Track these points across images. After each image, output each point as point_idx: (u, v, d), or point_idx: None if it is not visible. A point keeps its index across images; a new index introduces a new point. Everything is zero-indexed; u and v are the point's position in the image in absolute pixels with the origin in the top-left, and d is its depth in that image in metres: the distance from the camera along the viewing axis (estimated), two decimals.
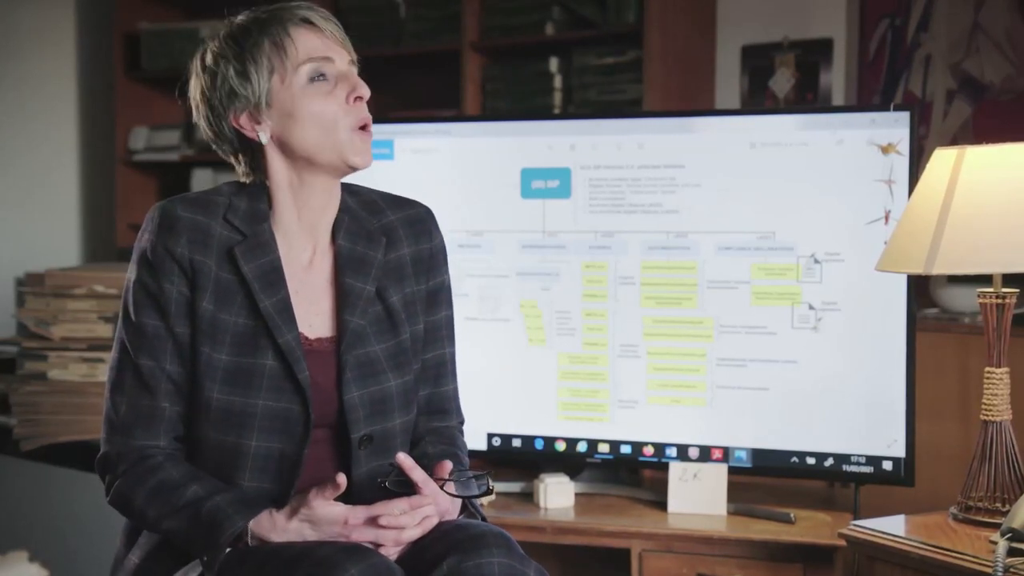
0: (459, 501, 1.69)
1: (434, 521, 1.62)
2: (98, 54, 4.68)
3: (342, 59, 1.68)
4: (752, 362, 2.52)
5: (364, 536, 1.57)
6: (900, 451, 2.43)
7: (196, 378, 1.65)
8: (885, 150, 2.43)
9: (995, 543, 1.79)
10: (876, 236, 2.41)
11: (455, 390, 1.86)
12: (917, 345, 2.42)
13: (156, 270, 1.66)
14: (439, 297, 1.82)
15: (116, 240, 4.57)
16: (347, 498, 1.61)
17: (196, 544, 1.60)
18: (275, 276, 1.68)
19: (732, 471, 2.53)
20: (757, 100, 3.69)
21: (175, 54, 4.38)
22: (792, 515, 2.47)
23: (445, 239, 1.84)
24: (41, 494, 3.34)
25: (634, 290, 2.60)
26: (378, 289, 1.73)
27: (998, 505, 1.96)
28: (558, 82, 3.81)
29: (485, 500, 1.74)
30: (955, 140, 3.38)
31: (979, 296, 2.01)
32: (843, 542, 2.10)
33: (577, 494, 2.64)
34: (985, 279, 2.02)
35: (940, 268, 1.91)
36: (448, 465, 1.66)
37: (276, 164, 1.71)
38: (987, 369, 2.00)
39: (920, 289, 2.84)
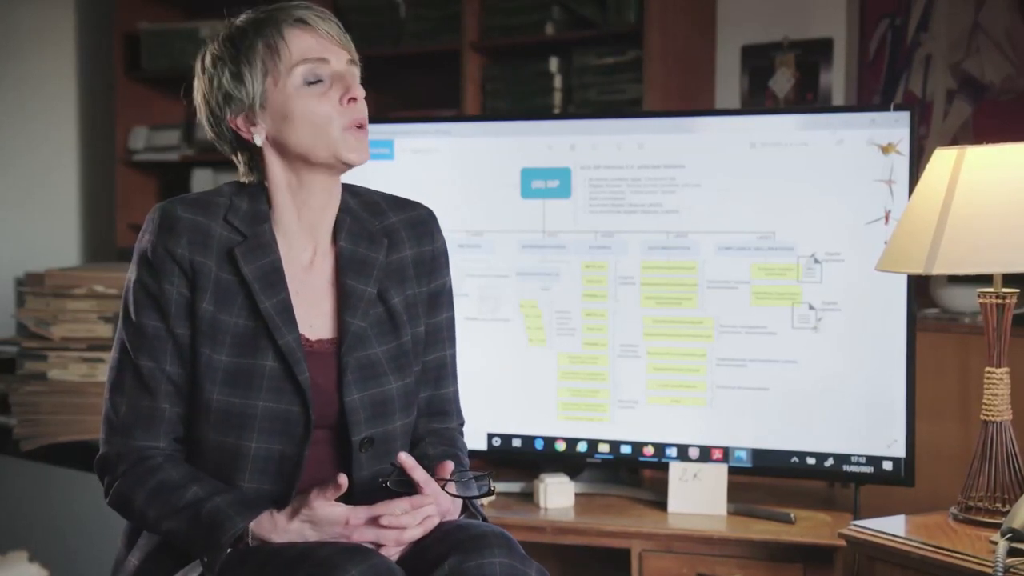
0: (460, 501, 1.69)
1: (435, 521, 1.62)
2: (98, 54, 4.68)
3: (339, 59, 1.68)
4: (752, 362, 2.52)
5: (365, 536, 1.57)
6: (900, 451, 2.43)
7: (196, 379, 1.65)
8: (885, 150, 2.43)
9: (995, 543, 1.79)
10: (876, 236, 2.41)
11: (455, 392, 1.86)
12: (917, 345, 2.42)
13: (156, 271, 1.66)
14: (440, 299, 1.82)
15: (116, 240, 4.57)
16: (348, 500, 1.61)
17: (196, 545, 1.60)
18: (276, 277, 1.68)
19: (732, 471, 2.53)
20: (757, 100, 3.69)
21: (175, 54, 4.38)
22: (792, 515, 2.47)
23: (445, 239, 1.84)
24: (41, 494, 3.33)
25: (634, 290, 2.60)
26: (379, 291, 1.73)
27: (998, 505, 1.96)
28: (558, 82, 3.81)
29: (486, 500, 1.74)
30: (955, 140, 3.38)
31: (979, 296, 2.01)
32: (843, 542, 2.10)
33: (577, 494, 2.64)
34: (985, 279, 2.02)
35: (940, 268, 1.91)
36: (450, 465, 1.66)
37: (273, 165, 1.71)
38: (987, 369, 2.00)
39: (920, 289, 2.84)
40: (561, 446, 2.66)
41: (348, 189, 1.79)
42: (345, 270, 1.72)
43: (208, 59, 1.71)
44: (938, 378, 2.94)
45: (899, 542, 1.94)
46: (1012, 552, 1.75)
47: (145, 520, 1.65)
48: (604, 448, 2.63)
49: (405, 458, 1.63)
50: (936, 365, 2.93)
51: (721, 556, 2.41)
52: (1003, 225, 1.89)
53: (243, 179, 1.75)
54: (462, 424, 1.89)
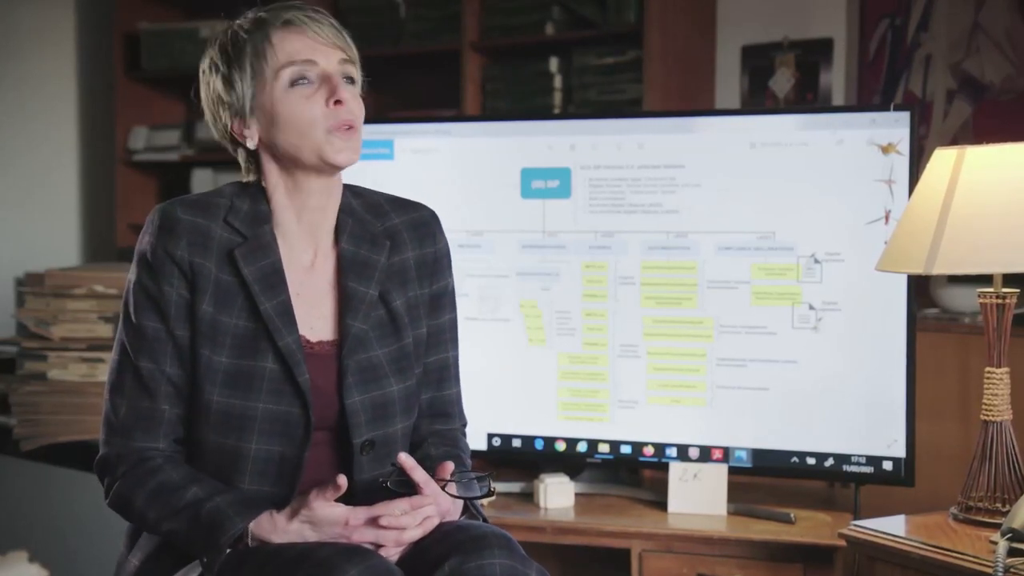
0: (460, 502, 1.69)
1: (435, 522, 1.62)
2: (98, 54, 4.68)
3: (329, 59, 1.66)
4: (752, 362, 2.52)
5: (365, 537, 1.57)
6: (900, 451, 2.43)
7: (196, 381, 1.65)
8: (885, 150, 2.43)
9: (995, 543, 1.79)
10: (876, 236, 2.41)
11: (458, 394, 1.86)
12: (917, 345, 2.42)
13: (156, 272, 1.66)
14: (443, 301, 1.81)
15: (116, 240, 4.56)
16: (349, 502, 1.60)
17: (196, 545, 1.60)
18: (276, 278, 1.68)
19: (732, 471, 2.53)
20: (757, 100, 3.69)
21: (175, 54, 4.38)
22: (792, 515, 2.47)
23: (448, 240, 1.84)
24: (41, 494, 3.33)
25: (634, 290, 2.60)
26: (381, 293, 1.73)
27: (998, 505, 1.96)
28: (558, 82, 3.81)
29: (486, 501, 1.74)
30: (955, 140, 3.38)
31: (979, 296, 2.01)
32: (843, 542, 2.10)
33: (577, 494, 2.64)
34: (985, 279, 2.02)
35: (940, 268, 1.91)
36: (450, 466, 1.66)
37: (270, 167, 1.71)
38: (987, 369, 2.00)
39: (920, 289, 2.84)
40: (561, 446, 2.66)
41: (351, 190, 1.79)
42: (346, 272, 1.72)
43: (206, 63, 1.72)
44: (938, 378, 2.94)
45: (899, 542, 1.94)
46: (1012, 552, 1.75)
47: (145, 521, 1.65)
48: (604, 448, 2.63)
49: (405, 458, 1.63)
50: (936, 365, 2.93)
51: (721, 556, 2.41)
52: (1003, 225, 1.89)
53: (245, 179, 1.75)
54: (464, 425, 1.89)
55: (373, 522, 1.57)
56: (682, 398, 2.57)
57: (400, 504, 1.59)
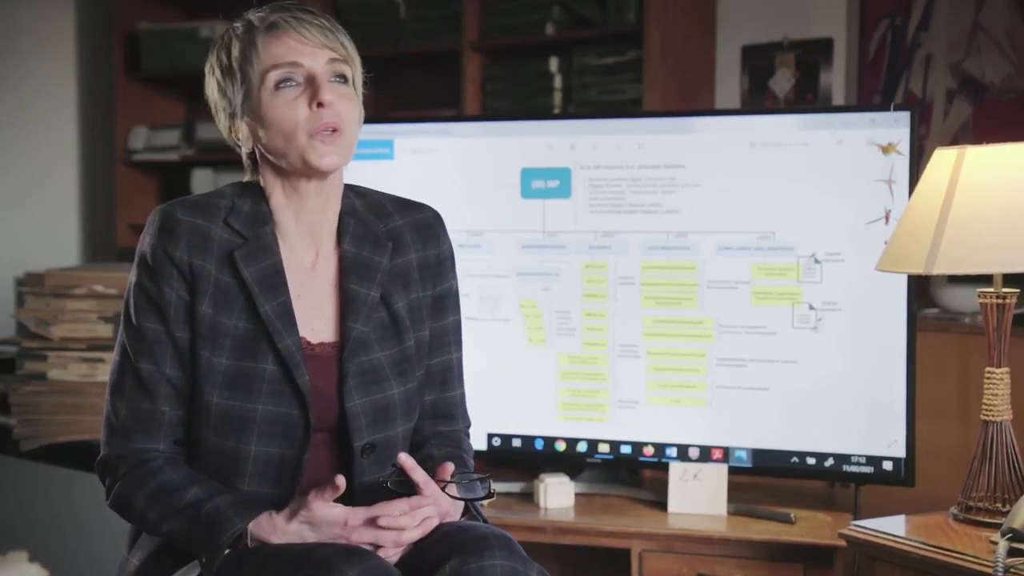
0: (461, 503, 1.69)
1: (434, 522, 1.62)
2: (98, 54, 4.68)
3: (315, 60, 1.65)
4: (752, 362, 2.52)
5: (364, 537, 1.57)
6: (900, 451, 2.43)
7: (196, 382, 1.65)
8: (885, 150, 2.43)
9: (995, 543, 1.79)
10: (876, 236, 2.41)
11: (462, 395, 1.86)
12: (917, 345, 2.42)
13: (156, 274, 1.66)
14: (446, 303, 1.81)
15: (116, 240, 4.56)
16: (350, 505, 1.60)
17: (196, 545, 1.60)
18: (276, 280, 1.67)
19: (732, 471, 2.53)
20: (757, 100, 3.69)
21: (175, 54, 4.38)
22: (792, 515, 2.47)
23: (452, 241, 1.84)
24: (41, 494, 3.34)
25: (634, 290, 2.60)
26: (383, 295, 1.73)
27: (998, 505, 1.96)
28: (558, 82, 3.81)
29: (485, 502, 1.74)
30: (955, 140, 3.38)
31: (979, 296, 2.01)
32: (843, 542, 2.10)
33: (577, 494, 2.64)
34: (985, 279, 2.02)
35: (940, 268, 1.91)
36: (450, 467, 1.66)
37: (266, 168, 1.71)
38: (987, 369, 2.00)
39: (920, 289, 2.84)
40: (561, 446, 2.66)
41: (354, 190, 1.78)
42: (348, 274, 1.72)
43: (207, 66, 1.72)
44: (938, 378, 2.94)
45: (899, 542, 1.94)
46: (1012, 552, 1.75)
47: (146, 522, 1.65)
48: (604, 448, 2.63)
49: (405, 459, 1.62)
50: (936, 365, 2.93)
51: (721, 556, 2.41)
52: (1003, 225, 1.89)
53: (246, 179, 1.75)
54: (468, 426, 1.88)
55: (372, 523, 1.57)
56: (682, 398, 2.57)
57: (399, 505, 1.58)
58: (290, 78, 1.64)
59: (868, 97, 3.54)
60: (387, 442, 1.70)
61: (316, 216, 1.72)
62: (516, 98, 3.84)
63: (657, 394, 2.59)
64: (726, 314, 2.54)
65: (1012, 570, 1.73)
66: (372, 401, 1.68)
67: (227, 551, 1.58)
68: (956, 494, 2.03)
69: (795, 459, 2.50)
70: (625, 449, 2.61)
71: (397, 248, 1.76)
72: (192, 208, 1.69)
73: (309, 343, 1.68)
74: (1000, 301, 1.98)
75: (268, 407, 1.63)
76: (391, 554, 1.58)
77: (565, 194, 2.64)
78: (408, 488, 1.61)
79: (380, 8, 4.08)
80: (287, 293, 1.67)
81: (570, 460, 2.67)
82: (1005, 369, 1.99)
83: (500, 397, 2.67)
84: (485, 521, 1.72)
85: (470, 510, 1.72)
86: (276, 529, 1.58)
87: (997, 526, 1.87)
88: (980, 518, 1.97)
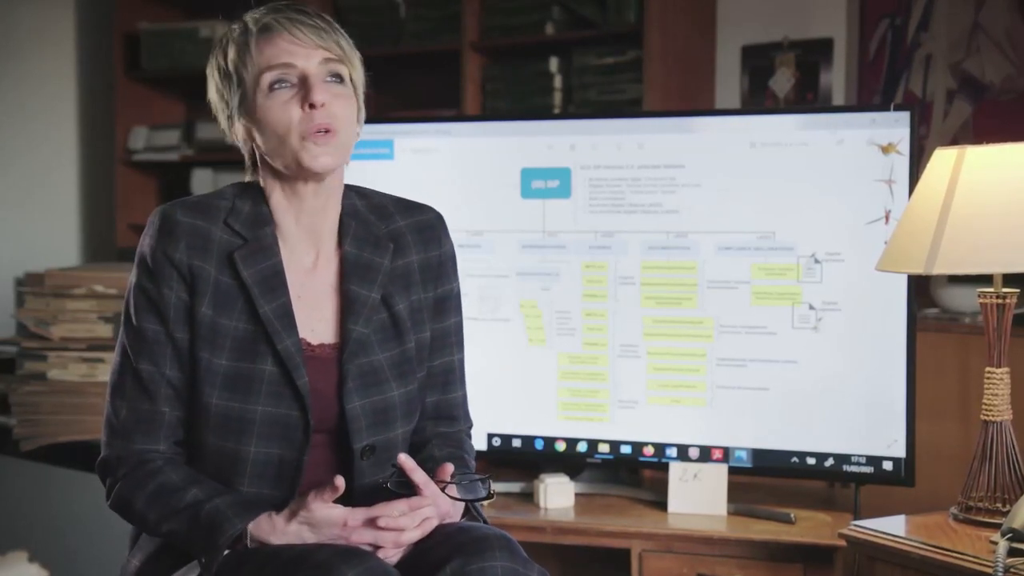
0: (461, 504, 1.68)
1: (434, 523, 1.62)
2: (98, 54, 4.68)
3: (309, 60, 1.64)
4: (752, 362, 2.52)
5: (363, 538, 1.57)
6: (900, 451, 2.43)
7: (195, 383, 1.65)
8: (885, 150, 2.43)
9: (995, 543, 1.79)
10: (876, 236, 2.41)
11: (464, 396, 1.86)
12: (917, 345, 2.42)
13: (155, 275, 1.66)
14: (447, 304, 1.80)
15: (116, 240, 4.56)
16: (349, 506, 1.60)
17: (195, 546, 1.60)
18: (276, 281, 1.67)
19: (732, 471, 2.53)
20: (757, 100, 3.68)
21: (175, 54, 4.37)
22: (792, 515, 2.47)
23: (453, 243, 1.83)
24: (41, 494, 3.34)
25: (634, 290, 2.60)
26: (383, 296, 1.72)
27: (998, 505, 1.96)
28: (558, 82, 3.81)
29: (485, 502, 1.74)
30: (955, 140, 3.37)
31: (979, 296, 2.01)
32: (843, 542, 2.10)
33: (577, 494, 2.64)
34: (985, 279, 2.02)
35: (940, 268, 1.91)
36: (449, 468, 1.66)
37: (265, 170, 1.71)
38: (987, 369, 2.00)
39: (920, 289, 2.84)
40: (561, 446, 2.66)
41: (356, 191, 1.78)
42: (349, 275, 1.71)
43: (207, 70, 1.72)
44: (938, 378, 2.94)
45: (899, 542, 1.94)
46: (1012, 552, 1.75)
47: (146, 523, 1.65)
48: (604, 448, 2.63)
49: (405, 459, 1.62)
50: (936, 365, 2.93)
51: (721, 556, 2.41)
52: (1003, 225, 1.89)
53: (248, 179, 1.75)
54: (470, 427, 1.88)
55: (371, 523, 1.57)
56: (682, 398, 2.57)
57: (398, 505, 1.58)
58: (283, 79, 1.64)
59: (868, 97, 3.54)
60: (387, 444, 1.70)
61: (316, 217, 1.71)
62: (516, 98, 3.83)
63: (657, 394, 2.59)
64: (726, 314, 2.54)
65: (1012, 570, 1.73)
66: (372, 403, 1.68)
67: (227, 551, 1.58)
68: (956, 494, 2.03)
69: (795, 459, 2.50)
70: (625, 449, 2.61)
71: (398, 249, 1.75)
72: (192, 209, 1.69)
73: (309, 344, 1.68)
74: (1000, 301, 1.98)
75: (267, 408, 1.63)
76: (391, 555, 1.58)
77: (565, 194, 2.64)
78: (408, 489, 1.61)
79: (380, 8, 4.08)
80: (287, 294, 1.67)
81: (570, 460, 2.67)
82: (1005, 369, 1.99)
83: (500, 397, 2.67)
84: (485, 522, 1.72)
85: (471, 511, 1.72)
86: (276, 530, 1.58)
87: (997, 526, 1.87)
88: (980, 518, 1.97)
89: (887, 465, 2.44)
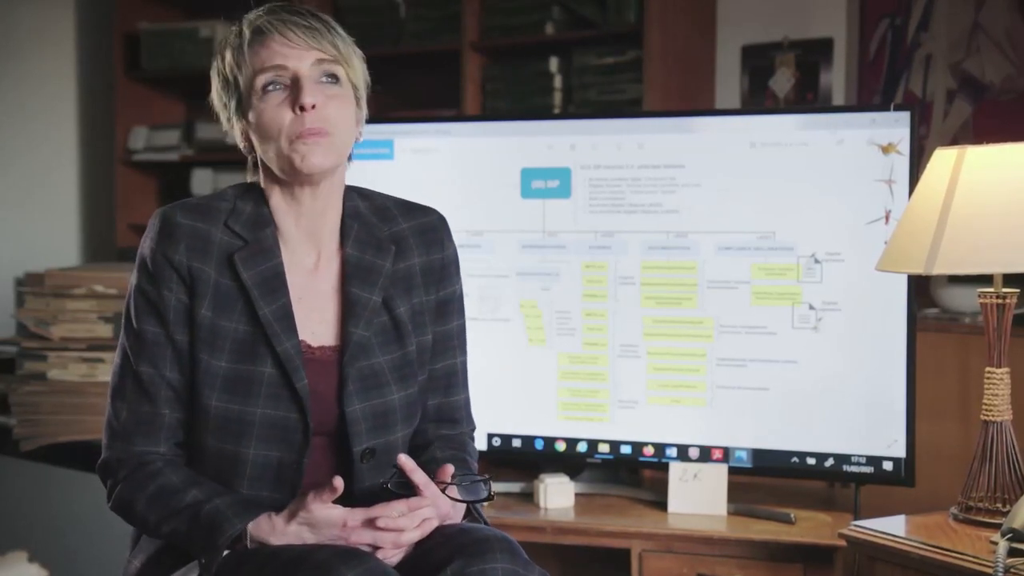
0: (461, 505, 1.68)
1: (434, 524, 1.61)
2: (98, 54, 4.68)
3: (301, 61, 1.63)
4: (752, 362, 2.52)
5: (363, 538, 1.57)
6: (900, 451, 2.43)
7: (195, 385, 1.65)
8: (885, 150, 2.43)
9: (995, 543, 1.79)
10: (876, 236, 2.41)
11: (466, 399, 1.85)
12: (917, 345, 2.42)
13: (155, 277, 1.66)
14: (450, 307, 1.80)
15: (116, 240, 4.56)
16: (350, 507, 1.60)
17: (195, 546, 1.60)
18: (277, 283, 1.67)
19: (732, 471, 2.53)
20: (757, 100, 3.69)
21: (175, 54, 4.38)
22: (792, 515, 2.47)
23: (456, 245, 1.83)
24: (41, 494, 3.34)
25: (634, 290, 2.60)
26: (385, 299, 1.72)
27: (998, 505, 1.96)
28: (558, 82, 3.81)
29: (485, 503, 1.74)
30: (955, 140, 3.38)
31: (979, 296, 2.01)
32: (843, 542, 2.10)
33: (577, 494, 2.64)
34: (985, 279, 2.02)
35: (940, 268, 1.91)
36: (450, 469, 1.65)
37: (265, 171, 1.71)
38: (987, 369, 2.00)
39: (920, 289, 2.84)
40: (561, 446, 2.66)
41: (358, 192, 1.78)
42: (350, 278, 1.71)
43: (211, 72, 1.72)
44: (938, 378, 2.94)
45: (899, 542, 1.94)
46: (1012, 552, 1.75)
47: (146, 524, 1.65)
48: (604, 448, 2.62)
49: (405, 460, 1.62)
50: (936, 365, 2.93)
51: (721, 556, 2.41)
52: (1003, 225, 1.89)
53: (249, 179, 1.75)
54: (473, 430, 1.88)
55: (371, 524, 1.56)
56: (682, 398, 2.57)
57: (398, 506, 1.58)
58: (276, 81, 1.64)
59: (868, 97, 3.54)
60: (387, 447, 1.69)
61: (315, 220, 1.71)
62: (516, 98, 3.83)
63: (657, 394, 2.59)
64: (726, 314, 2.54)
65: (1012, 570, 1.73)
66: (372, 406, 1.68)
67: (226, 552, 1.58)
68: (956, 494, 2.03)
69: (795, 459, 2.50)
70: (625, 449, 2.61)
71: (400, 252, 1.75)
72: (192, 211, 1.68)
73: (309, 347, 1.68)
74: (1000, 301, 1.98)
75: (267, 411, 1.63)
76: (390, 555, 1.58)
77: (565, 194, 2.64)
78: (408, 490, 1.61)
79: (380, 8, 4.08)
80: (287, 296, 1.67)
81: (570, 460, 2.67)
82: (1005, 369, 1.99)
83: (500, 397, 2.67)
84: (486, 523, 1.72)
85: (471, 512, 1.72)
86: (275, 530, 1.58)
87: (997, 526, 1.87)
88: (980, 518, 1.97)
89: (887, 465, 2.44)
